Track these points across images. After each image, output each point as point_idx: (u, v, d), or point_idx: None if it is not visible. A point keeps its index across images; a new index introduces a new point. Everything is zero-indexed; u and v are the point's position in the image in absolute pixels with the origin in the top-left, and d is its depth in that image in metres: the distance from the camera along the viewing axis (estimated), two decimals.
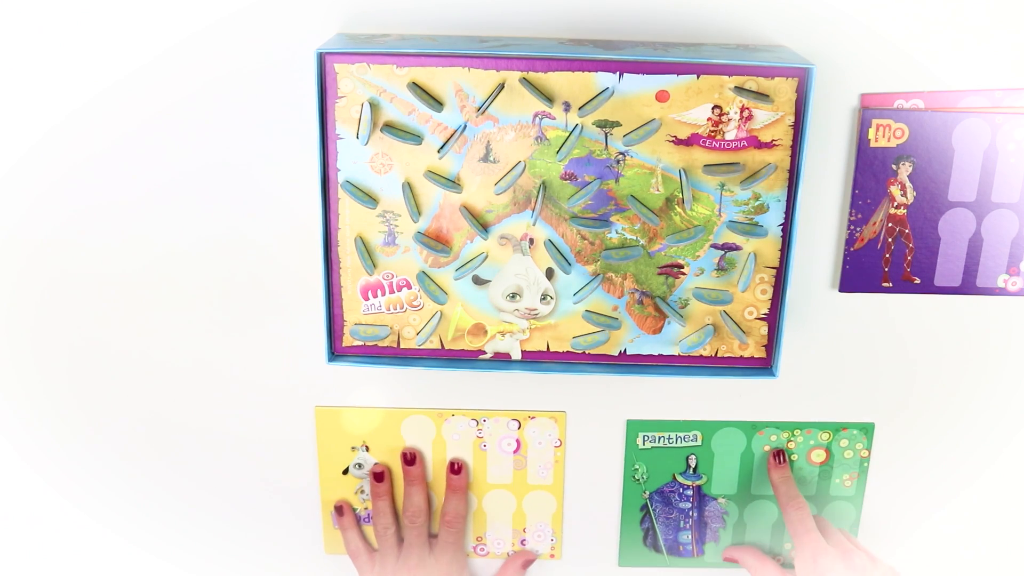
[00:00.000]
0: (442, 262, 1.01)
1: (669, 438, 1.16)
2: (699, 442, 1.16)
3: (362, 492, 1.19)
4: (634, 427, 1.15)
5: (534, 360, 1.05)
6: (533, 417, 1.15)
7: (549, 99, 0.95)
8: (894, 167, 1.02)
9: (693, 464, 1.17)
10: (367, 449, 1.17)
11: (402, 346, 1.04)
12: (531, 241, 1.00)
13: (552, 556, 1.23)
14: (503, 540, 1.22)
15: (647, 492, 1.19)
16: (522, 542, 1.22)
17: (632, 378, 1.12)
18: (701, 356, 1.05)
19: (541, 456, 1.17)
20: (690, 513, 1.20)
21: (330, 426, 1.15)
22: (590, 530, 1.21)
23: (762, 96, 0.95)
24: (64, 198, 1.05)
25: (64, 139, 1.03)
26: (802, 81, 0.95)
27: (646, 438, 1.16)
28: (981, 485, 1.19)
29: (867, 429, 1.16)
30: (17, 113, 1.02)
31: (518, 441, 1.17)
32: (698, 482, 1.18)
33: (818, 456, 1.17)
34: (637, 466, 1.17)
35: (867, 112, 1.00)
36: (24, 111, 1.02)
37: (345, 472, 1.18)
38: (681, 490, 1.19)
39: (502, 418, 1.15)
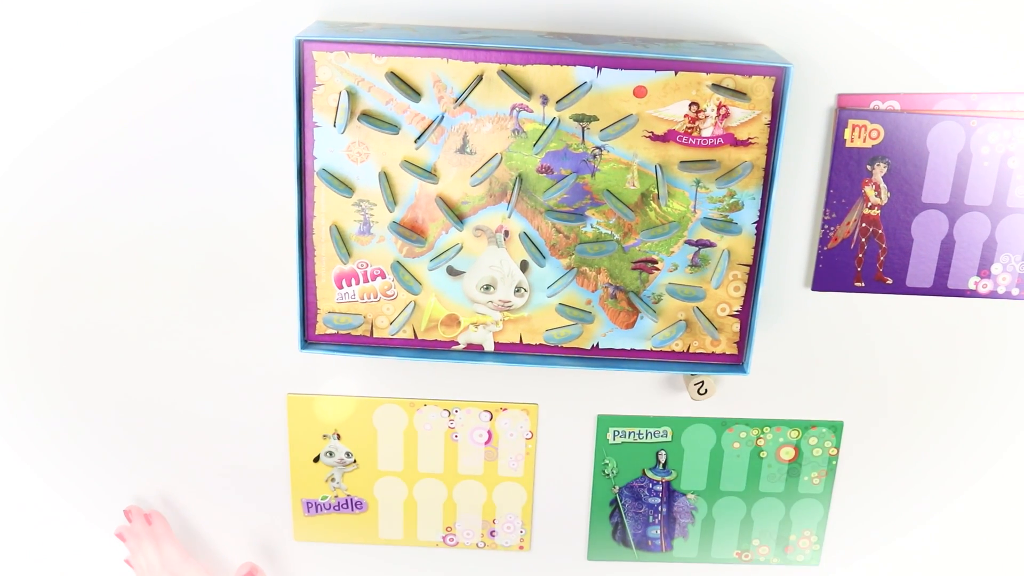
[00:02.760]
0: (417, 252, 1.01)
1: (639, 433, 1.16)
2: (669, 438, 1.17)
3: (332, 480, 1.19)
4: (605, 422, 1.15)
5: (507, 352, 1.05)
6: (505, 409, 1.15)
7: (527, 92, 0.95)
8: (869, 168, 1.02)
9: (663, 460, 1.18)
10: (338, 437, 1.17)
11: (375, 335, 1.04)
12: (506, 233, 1.00)
13: (521, 548, 1.23)
14: (472, 531, 1.22)
15: (617, 487, 1.19)
16: (491, 533, 1.22)
17: (603, 373, 1.13)
18: (673, 351, 1.05)
19: (512, 448, 1.17)
20: (659, 508, 1.20)
21: (302, 414, 1.15)
22: (559, 523, 1.22)
23: (739, 94, 0.95)
24: (45, 191, 1.05)
25: (49, 134, 1.03)
26: (779, 80, 0.95)
27: (616, 433, 1.16)
28: (949, 484, 1.20)
29: (836, 428, 1.16)
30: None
31: (489, 432, 1.17)
32: (668, 478, 1.19)
33: (787, 453, 1.17)
34: (607, 461, 1.17)
35: (843, 112, 1.00)
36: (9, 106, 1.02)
37: (316, 460, 1.18)
38: (651, 485, 1.19)
39: (474, 409, 1.16)
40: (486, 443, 1.17)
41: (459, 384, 1.14)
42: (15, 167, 1.04)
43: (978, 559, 1.24)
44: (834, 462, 1.18)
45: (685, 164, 0.98)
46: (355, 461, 1.19)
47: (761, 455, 1.17)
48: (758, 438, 1.17)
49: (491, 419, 1.16)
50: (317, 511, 1.22)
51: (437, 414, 1.16)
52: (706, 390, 1.07)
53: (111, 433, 1.17)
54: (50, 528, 1.23)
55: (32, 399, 1.15)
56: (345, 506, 1.21)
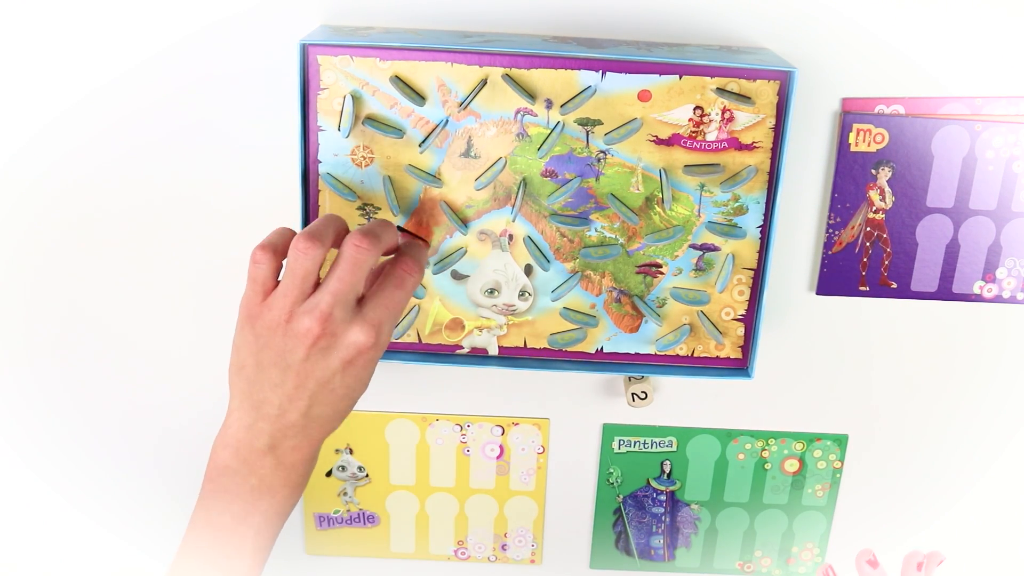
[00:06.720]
0: None
1: (644, 443, 1.16)
2: (674, 448, 1.16)
3: (345, 494, 1.19)
4: (610, 431, 1.15)
5: (511, 356, 1.05)
6: (517, 423, 1.15)
7: (531, 96, 0.95)
8: (874, 172, 1.02)
9: (668, 470, 1.17)
10: (351, 452, 1.17)
11: None
12: (510, 237, 1.00)
13: (532, 561, 1.23)
14: (484, 545, 1.22)
15: (621, 496, 1.19)
16: (503, 547, 1.22)
17: (609, 382, 1.12)
18: (677, 356, 1.05)
19: (524, 462, 1.17)
20: (663, 518, 1.20)
21: None
22: (564, 533, 1.21)
23: (744, 98, 0.95)
24: (48, 189, 1.05)
25: (47, 135, 1.03)
26: (784, 84, 0.95)
27: (622, 442, 1.16)
28: (955, 495, 1.19)
29: (840, 441, 1.16)
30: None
31: (501, 447, 1.17)
32: (672, 487, 1.18)
33: (791, 466, 1.17)
34: (612, 470, 1.17)
35: (848, 116, 1.00)
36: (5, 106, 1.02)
37: (328, 474, 1.18)
38: (655, 495, 1.19)
39: (486, 424, 1.15)
40: (498, 457, 1.17)
41: (467, 397, 1.14)
42: (9, 170, 1.04)
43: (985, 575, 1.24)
44: (838, 475, 1.18)
45: (689, 168, 0.98)
46: (367, 475, 1.19)
47: (765, 467, 1.17)
48: (763, 450, 1.16)
49: (503, 434, 1.16)
50: (329, 525, 1.21)
51: (449, 429, 1.16)
52: (645, 395, 1.07)
53: (118, 440, 1.17)
54: (51, 533, 1.22)
55: (31, 403, 1.15)
56: (357, 520, 1.21)
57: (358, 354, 0.86)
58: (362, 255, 0.86)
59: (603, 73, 0.95)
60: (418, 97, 0.95)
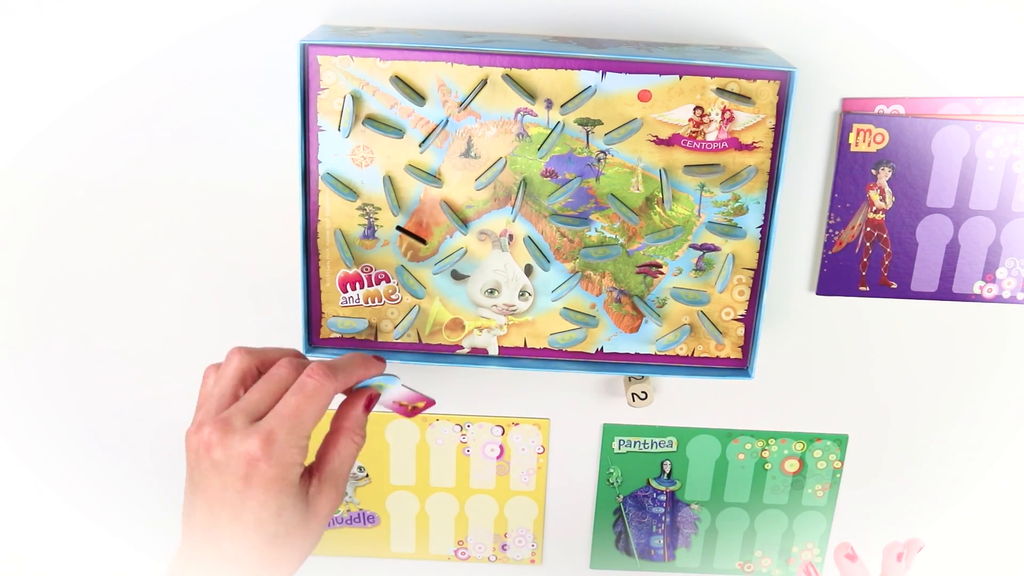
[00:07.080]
0: (421, 256, 1.01)
1: (644, 443, 1.16)
2: (674, 448, 1.16)
3: (345, 494, 1.19)
4: (610, 431, 1.15)
5: (511, 356, 1.05)
6: (517, 424, 1.15)
7: (531, 96, 0.95)
8: (874, 172, 1.02)
9: (668, 470, 1.17)
10: None
11: (379, 339, 1.04)
12: (510, 237, 1.00)
13: (532, 562, 1.23)
14: (484, 545, 1.22)
15: (621, 496, 1.19)
16: (503, 547, 1.22)
17: (609, 382, 1.12)
18: (677, 356, 1.05)
19: (524, 462, 1.17)
20: (663, 518, 1.20)
21: (317, 427, 1.15)
22: (564, 533, 1.21)
23: (744, 98, 0.95)
24: (46, 189, 1.05)
25: (46, 136, 1.03)
26: (784, 84, 0.95)
27: (622, 442, 1.16)
28: (952, 495, 1.19)
29: (840, 441, 1.16)
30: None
31: (501, 447, 1.17)
32: (672, 487, 1.18)
33: (791, 466, 1.17)
34: (612, 470, 1.17)
35: (848, 116, 1.00)
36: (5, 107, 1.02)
37: None
38: (655, 495, 1.19)
39: (486, 424, 1.15)
40: (498, 458, 1.17)
41: (466, 396, 1.14)
42: (8, 171, 1.04)
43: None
44: (838, 475, 1.18)
45: (690, 168, 0.98)
46: (367, 475, 1.19)
47: (765, 467, 1.17)
48: (763, 450, 1.16)
49: (503, 434, 1.16)
50: (329, 525, 1.22)
51: (449, 429, 1.16)
52: (645, 395, 1.08)
53: (119, 446, 1.17)
54: (49, 532, 1.22)
55: (32, 400, 1.15)
56: (357, 520, 1.21)
57: (249, 467, 0.79)
58: (281, 371, 0.85)
59: (603, 73, 0.95)
60: (418, 97, 0.95)
